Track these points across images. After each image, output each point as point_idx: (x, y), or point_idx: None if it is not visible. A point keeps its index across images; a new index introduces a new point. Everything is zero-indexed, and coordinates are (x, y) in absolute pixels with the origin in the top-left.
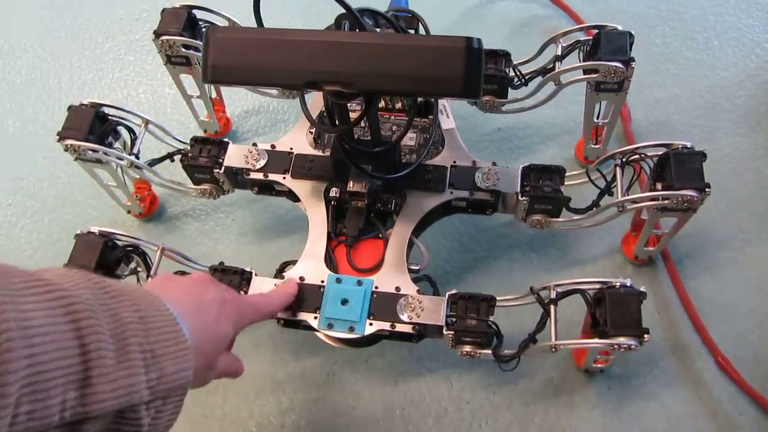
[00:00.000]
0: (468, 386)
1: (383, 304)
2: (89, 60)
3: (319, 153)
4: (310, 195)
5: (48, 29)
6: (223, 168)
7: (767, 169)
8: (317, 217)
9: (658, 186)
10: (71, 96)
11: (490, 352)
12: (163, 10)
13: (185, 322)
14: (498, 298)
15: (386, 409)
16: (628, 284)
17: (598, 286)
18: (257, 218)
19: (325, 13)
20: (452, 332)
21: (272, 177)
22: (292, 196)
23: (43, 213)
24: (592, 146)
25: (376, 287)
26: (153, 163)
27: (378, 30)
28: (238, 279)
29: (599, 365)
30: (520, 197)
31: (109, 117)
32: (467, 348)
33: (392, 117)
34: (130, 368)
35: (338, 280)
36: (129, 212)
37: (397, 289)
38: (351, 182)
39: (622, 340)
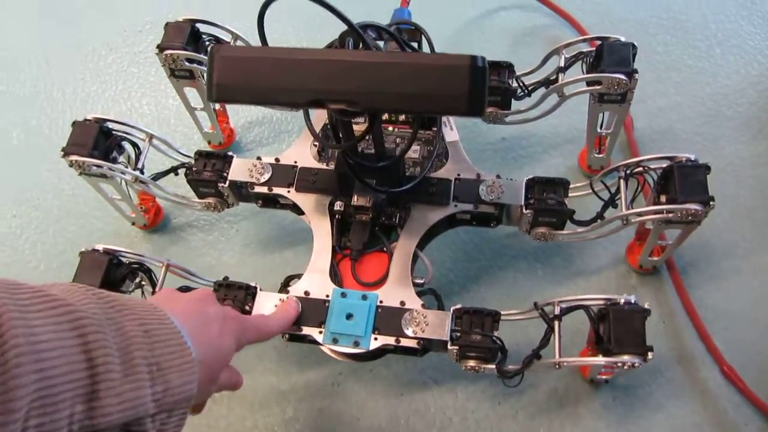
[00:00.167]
0: (473, 397)
1: (388, 319)
2: (93, 72)
3: (324, 166)
4: (314, 208)
5: (52, 42)
6: (227, 182)
7: None
8: (322, 231)
9: (662, 199)
10: (75, 108)
11: (494, 367)
12: (167, 24)
13: (189, 335)
14: (502, 312)
15: (391, 420)
16: (633, 301)
17: (602, 302)
18: (261, 229)
19: (328, 27)
20: (457, 347)
21: (277, 190)
22: (297, 209)
23: (47, 224)
24: (596, 155)
25: (381, 301)
26: (157, 176)
27: (382, 43)
28: (243, 294)
29: (604, 377)
30: (524, 210)
31: (114, 132)
32: (471, 363)
33: (396, 129)
34: (136, 381)
35: (343, 295)
36: (133, 224)
37: (402, 303)
38: (355, 196)
39: (625, 358)
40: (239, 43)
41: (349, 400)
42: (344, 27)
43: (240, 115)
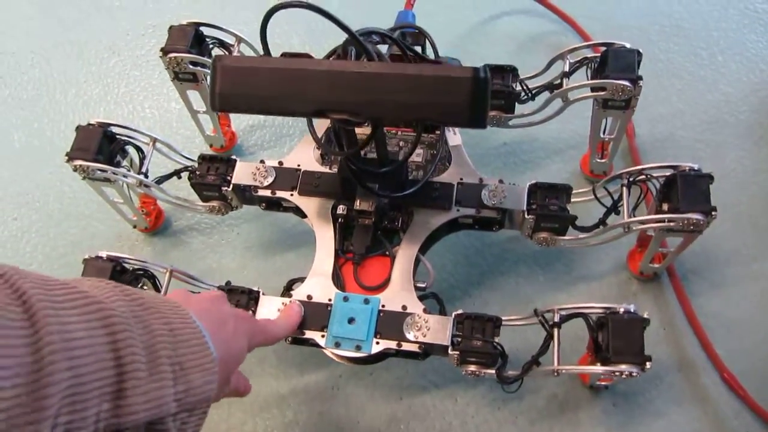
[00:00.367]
0: (473, 401)
1: (390, 323)
2: (95, 75)
3: (326, 170)
4: (317, 212)
5: (55, 45)
6: (231, 186)
7: None
8: (324, 235)
9: (665, 207)
10: (77, 111)
11: (494, 372)
12: (171, 27)
13: (208, 335)
14: (503, 318)
15: (390, 424)
16: (632, 310)
17: (601, 310)
18: (263, 232)
19: (330, 33)
20: (457, 352)
21: (280, 194)
22: (300, 213)
23: (48, 227)
24: (598, 161)
25: (383, 306)
26: (160, 180)
27: (385, 48)
28: (246, 299)
29: (604, 383)
30: (526, 215)
31: (117, 136)
32: (472, 367)
33: (399, 132)
34: (160, 380)
35: (345, 299)
36: (135, 227)
37: (404, 307)
38: (358, 200)
39: (623, 367)
40: (243, 46)
41: (349, 404)
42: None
43: (242, 118)
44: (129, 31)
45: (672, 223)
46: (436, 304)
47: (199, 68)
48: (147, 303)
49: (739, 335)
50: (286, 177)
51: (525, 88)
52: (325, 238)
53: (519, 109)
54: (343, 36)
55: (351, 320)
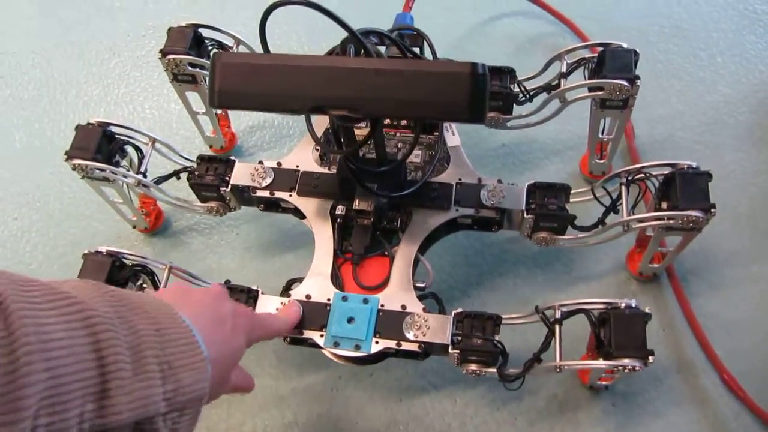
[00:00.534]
0: (472, 402)
1: (389, 323)
2: (96, 76)
3: (325, 170)
4: (316, 213)
5: (55, 45)
6: (229, 186)
7: None
8: (323, 235)
9: (663, 205)
10: (77, 112)
11: (495, 371)
12: (170, 29)
13: (201, 334)
14: (503, 316)
15: (389, 425)
16: (633, 305)
17: (602, 306)
18: (262, 233)
19: (330, 33)
20: (458, 351)
21: (278, 195)
22: (298, 213)
23: (48, 227)
24: (597, 161)
25: (382, 305)
26: (159, 180)
27: (383, 48)
28: (245, 297)
29: (604, 382)
30: (525, 215)
31: (116, 136)
32: (473, 366)
33: (397, 134)
34: (147, 380)
35: (344, 299)
36: (134, 227)
37: (403, 307)
38: (357, 200)
39: (626, 361)
40: (242, 47)
41: (348, 405)
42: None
43: (241, 119)
44: (129, 31)
45: (671, 221)
46: (435, 304)
47: (198, 70)
48: (132, 303)
49: (738, 336)
50: (285, 178)
51: (523, 89)
52: (324, 239)
53: (517, 110)
54: (341, 37)
55: (350, 320)
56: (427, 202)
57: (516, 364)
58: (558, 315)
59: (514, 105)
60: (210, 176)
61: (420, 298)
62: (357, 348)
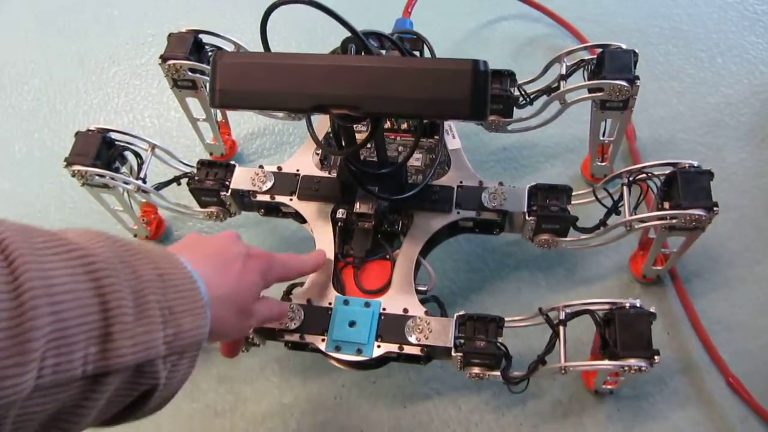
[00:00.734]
0: (476, 408)
1: (391, 326)
2: (95, 85)
3: (326, 174)
4: (316, 216)
5: (54, 55)
6: (229, 191)
7: None
8: (324, 239)
9: (666, 205)
10: (77, 121)
11: (498, 373)
12: (170, 35)
13: (204, 278)
14: (506, 318)
15: None
16: (638, 305)
17: (607, 306)
18: (263, 239)
19: (330, 37)
20: (461, 354)
21: (279, 199)
22: (299, 218)
23: None
24: (599, 164)
25: (384, 309)
26: (159, 186)
27: (384, 52)
28: None
29: (609, 386)
30: (527, 217)
31: (116, 142)
32: (476, 370)
33: (398, 138)
34: (148, 324)
35: (346, 302)
36: (135, 236)
37: (405, 310)
38: (358, 203)
39: (632, 361)
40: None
41: (352, 413)
42: (347, 35)
43: (242, 126)
44: (129, 40)
45: (674, 220)
46: (437, 307)
47: (198, 75)
48: (134, 249)
49: (743, 338)
50: (285, 182)
51: (523, 92)
52: (325, 243)
53: (517, 113)
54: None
55: (352, 323)
56: (429, 205)
57: (519, 367)
58: (562, 316)
59: (515, 108)
60: (210, 181)
61: (422, 301)
62: (359, 352)
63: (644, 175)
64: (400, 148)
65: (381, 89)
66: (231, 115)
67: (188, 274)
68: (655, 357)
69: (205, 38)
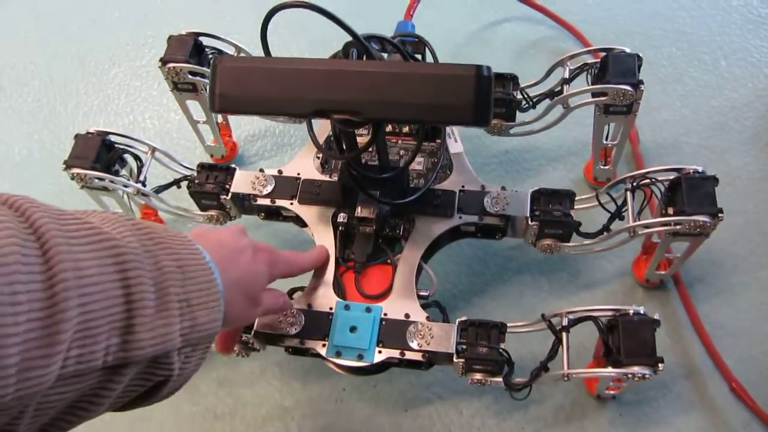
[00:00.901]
0: (478, 413)
1: (392, 332)
2: (95, 86)
3: (327, 178)
4: (317, 220)
5: (54, 56)
6: (230, 194)
7: None
8: (325, 243)
9: (670, 211)
10: (77, 122)
11: (501, 380)
12: (170, 37)
13: (219, 265)
14: (509, 324)
15: None
16: (642, 311)
17: (611, 313)
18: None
19: (331, 43)
20: (462, 360)
21: (279, 203)
22: (300, 222)
23: None
24: (602, 167)
25: (385, 314)
26: (159, 189)
27: (385, 55)
28: None
29: (611, 392)
30: (530, 222)
31: (116, 145)
32: (478, 376)
33: (400, 141)
34: (167, 317)
35: (347, 307)
36: None
37: (407, 315)
38: (359, 207)
39: (636, 369)
40: (242, 56)
41: (352, 417)
42: (348, 39)
43: (242, 128)
44: (129, 42)
45: (678, 227)
46: (438, 312)
47: (198, 78)
48: (157, 238)
49: (747, 344)
50: (286, 185)
51: (526, 96)
52: (326, 246)
53: (520, 117)
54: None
55: (353, 329)
56: (430, 209)
57: (521, 373)
58: (565, 322)
59: (518, 112)
60: (210, 184)
61: (423, 306)
62: (360, 357)
63: (648, 181)
64: (402, 152)
65: (383, 94)
66: (232, 117)
67: (206, 265)
68: (659, 364)
69: (205, 41)
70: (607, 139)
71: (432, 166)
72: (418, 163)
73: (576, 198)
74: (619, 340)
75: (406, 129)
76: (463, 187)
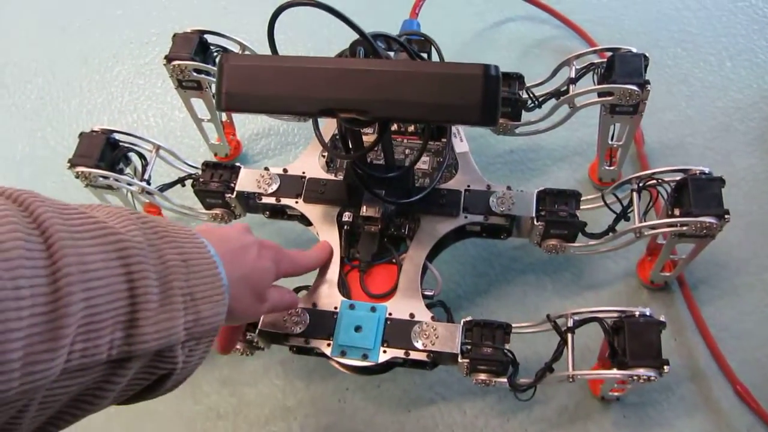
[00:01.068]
0: (481, 414)
1: (397, 331)
2: (99, 84)
3: (332, 177)
4: (322, 219)
5: (58, 54)
6: (234, 193)
7: None
8: (330, 242)
9: (676, 212)
10: (81, 120)
11: (505, 380)
12: (175, 35)
13: (224, 260)
14: (513, 325)
15: None
16: (648, 313)
17: (616, 314)
18: None
19: (337, 39)
20: (467, 360)
21: (284, 201)
22: (305, 221)
23: None
24: (607, 168)
25: (390, 314)
26: (164, 188)
27: (392, 54)
28: None
29: (615, 393)
30: (535, 222)
31: (120, 143)
32: (482, 376)
33: (405, 140)
34: (171, 311)
35: (351, 307)
36: None
37: (411, 315)
38: (364, 207)
39: (641, 371)
40: (247, 53)
41: (355, 417)
42: (355, 38)
43: (247, 126)
44: (132, 39)
45: (684, 228)
46: (443, 312)
47: (203, 76)
48: (162, 231)
49: (751, 346)
50: (291, 184)
51: (531, 95)
52: (328, 242)
53: (526, 116)
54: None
55: (357, 328)
56: (436, 208)
57: (526, 373)
58: (570, 323)
59: (523, 111)
60: (215, 183)
61: (428, 306)
62: (364, 357)
63: (654, 181)
64: (407, 151)
65: (390, 93)
66: (236, 115)
67: (210, 258)
68: (665, 367)
69: (210, 38)
70: (612, 140)
71: (437, 165)
72: (424, 163)
73: (581, 198)
74: (625, 342)
75: (411, 128)
76: (468, 186)
